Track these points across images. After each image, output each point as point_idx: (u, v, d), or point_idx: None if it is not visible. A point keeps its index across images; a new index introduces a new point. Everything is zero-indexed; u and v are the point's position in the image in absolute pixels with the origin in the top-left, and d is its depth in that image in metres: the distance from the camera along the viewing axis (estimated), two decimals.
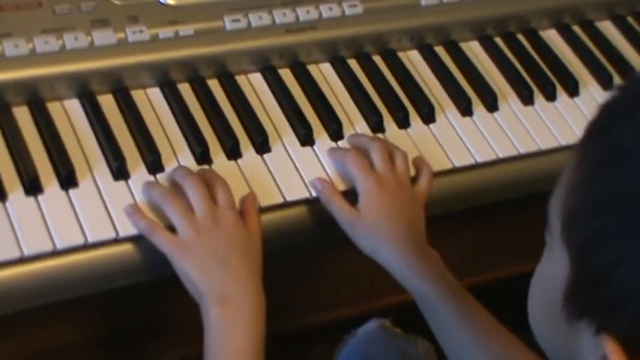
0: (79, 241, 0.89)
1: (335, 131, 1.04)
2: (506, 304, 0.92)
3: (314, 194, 0.98)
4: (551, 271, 0.64)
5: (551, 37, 1.23)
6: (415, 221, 0.99)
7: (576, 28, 1.25)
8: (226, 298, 0.88)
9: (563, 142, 1.11)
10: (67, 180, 0.92)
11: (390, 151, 1.00)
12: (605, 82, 1.19)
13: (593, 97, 1.17)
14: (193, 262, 0.89)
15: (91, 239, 0.90)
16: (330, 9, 1.09)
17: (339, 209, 0.97)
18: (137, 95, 1.01)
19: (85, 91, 0.99)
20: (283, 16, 1.07)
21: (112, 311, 1.04)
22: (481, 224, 1.18)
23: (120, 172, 0.94)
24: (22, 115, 0.96)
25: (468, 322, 0.94)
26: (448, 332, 0.95)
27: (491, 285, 1.22)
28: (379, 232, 0.96)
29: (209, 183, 0.93)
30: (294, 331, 1.08)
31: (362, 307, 0.99)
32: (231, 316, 0.88)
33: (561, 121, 1.13)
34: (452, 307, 0.94)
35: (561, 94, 1.16)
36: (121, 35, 1.00)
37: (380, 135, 1.06)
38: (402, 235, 0.96)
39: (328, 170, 1.00)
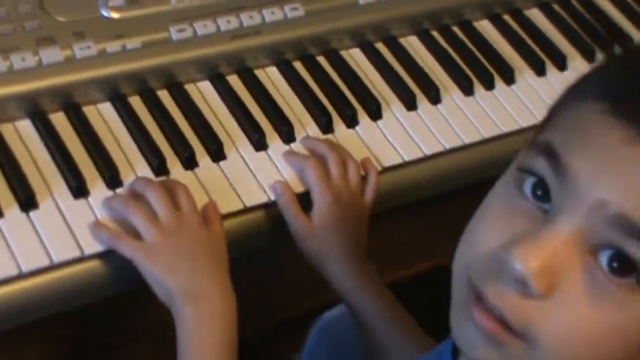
0: (44, 262, 0.89)
1: (287, 134, 1.05)
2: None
3: (272, 198, 1.00)
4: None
5: (485, 27, 1.27)
6: (360, 235, 1.02)
7: (507, 18, 1.29)
8: (196, 294, 0.89)
9: (505, 129, 1.15)
10: (27, 202, 0.91)
11: (345, 162, 1.03)
12: (538, 68, 1.22)
13: (529, 84, 1.21)
14: (161, 263, 0.90)
15: (56, 259, 0.89)
16: (273, 13, 1.10)
17: (294, 218, 0.99)
18: (89, 111, 1.00)
19: (36, 110, 0.98)
20: (227, 23, 1.08)
21: (76, 325, 1.03)
22: (416, 215, 1.21)
23: (79, 190, 0.94)
24: None
25: (403, 337, 0.98)
26: (384, 346, 0.99)
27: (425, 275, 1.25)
28: (327, 246, 0.99)
29: (170, 190, 0.94)
30: (265, 327, 1.10)
31: (332, 297, 1.02)
32: (203, 312, 0.89)
33: (501, 109, 1.17)
34: (388, 323, 0.99)
35: (499, 83, 1.19)
36: (69, 52, 0.99)
37: (330, 135, 1.07)
38: (347, 251, 1.00)
39: (284, 173, 1.02)
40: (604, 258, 0.57)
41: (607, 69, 0.63)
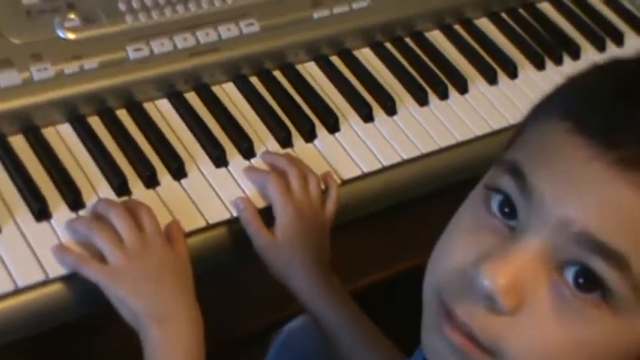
0: (8, 287, 0.89)
1: (247, 150, 1.06)
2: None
3: (234, 214, 1.00)
4: (621, 335, 0.60)
5: (437, 37, 1.28)
6: (323, 248, 1.03)
7: (458, 27, 1.31)
8: (162, 316, 0.90)
9: (460, 138, 1.17)
10: None
11: (305, 175, 1.03)
12: (490, 77, 1.25)
13: (481, 92, 1.23)
14: (127, 286, 0.90)
15: (20, 284, 0.89)
16: (229, 29, 1.11)
17: (257, 233, 1.00)
18: (48, 133, 1.00)
19: None
20: (184, 40, 1.08)
21: (41, 349, 1.03)
22: (375, 225, 1.22)
23: (41, 213, 0.93)
24: None
25: (368, 349, 1.00)
26: (348, 357, 1.00)
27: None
28: (291, 260, 1.00)
29: (133, 211, 0.94)
30: (228, 341, 1.10)
31: (294, 309, 1.03)
32: (169, 333, 0.90)
33: (455, 118, 1.19)
34: (353, 334, 1.00)
35: (453, 93, 1.21)
36: (26, 74, 0.99)
37: (289, 149, 1.08)
38: (311, 264, 1.01)
39: (245, 189, 1.02)
40: (570, 274, 0.59)
41: (570, 88, 0.65)
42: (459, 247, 0.63)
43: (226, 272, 1.10)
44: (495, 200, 0.62)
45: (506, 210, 0.62)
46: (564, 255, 0.59)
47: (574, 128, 0.59)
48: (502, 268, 0.58)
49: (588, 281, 0.58)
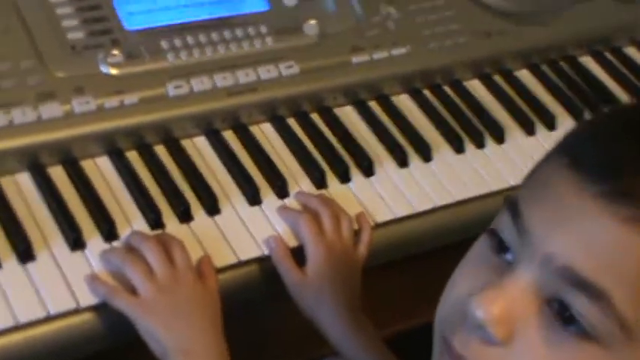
0: (41, 313, 0.90)
1: (280, 189, 1.07)
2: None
3: (266, 252, 1.01)
4: None
5: (475, 86, 1.29)
6: (353, 288, 1.04)
7: (497, 78, 1.32)
8: (190, 351, 0.91)
9: (495, 187, 1.17)
10: (25, 254, 0.93)
11: (338, 216, 1.04)
12: (528, 128, 1.25)
13: (518, 143, 1.23)
14: (156, 319, 0.91)
15: (52, 311, 0.90)
16: (268, 71, 1.13)
17: (288, 272, 1.00)
18: (87, 165, 1.02)
19: (35, 163, 1.00)
20: (224, 79, 1.10)
21: None
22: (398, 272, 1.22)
23: (76, 242, 0.95)
24: None
25: None
26: None
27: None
28: (321, 299, 1.01)
29: (165, 245, 0.95)
30: None
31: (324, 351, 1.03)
32: None
33: (491, 168, 1.19)
34: None
35: (489, 142, 1.22)
36: (68, 107, 1.01)
37: (323, 190, 1.09)
38: (341, 304, 1.01)
39: (278, 228, 1.03)
40: (555, 307, 0.61)
41: (576, 128, 0.67)
42: (459, 283, 0.66)
43: (255, 312, 1.11)
44: (495, 238, 0.65)
45: (504, 246, 0.64)
46: (550, 289, 0.61)
47: (569, 163, 0.61)
48: (494, 300, 0.61)
49: (571, 315, 0.60)
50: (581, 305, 0.59)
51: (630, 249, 0.58)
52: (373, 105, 1.21)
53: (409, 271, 1.18)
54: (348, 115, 1.19)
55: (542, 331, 0.61)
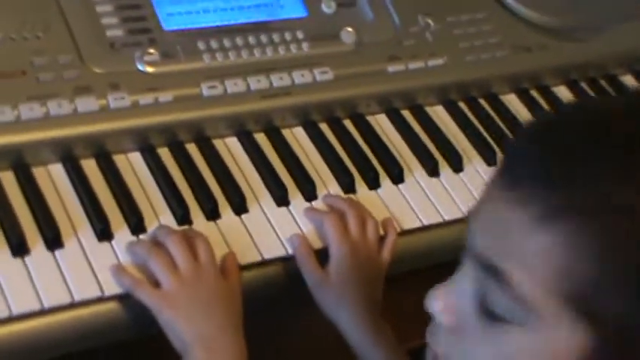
0: (65, 299, 0.92)
1: (309, 192, 1.08)
2: None
3: (290, 252, 1.02)
4: (536, 347, 0.66)
5: (511, 100, 1.30)
6: (375, 292, 1.04)
7: (534, 93, 1.32)
8: (211, 344, 0.92)
9: None
10: (53, 241, 0.95)
11: (364, 218, 1.05)
12: None
13: None
14: (178, 312, 0.93)
15: (77, 298, 0.92)
16: (303, 75, 1.14)
17: (311, 271, 1.01)
18: (119, 160, 1.05)
19: (68, 155, 1.02)
20: (258, 82, 1.12)
21: None
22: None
23: (104, 233, 0.97)
24: (8, 179, 0.99)
25: None
26: None
27: None
28: (343, 299, 1.01)
29: (190, 241, 0.97)
30: None
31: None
32: None
33: None
34: None
35: None
36: (103, 102, 1.04)
37: (351, 195, 1.10)
38: (363, 305, 1.02)
39: (303, 229, 1.04)
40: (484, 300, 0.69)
41: None
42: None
43: (274, 318, 1.11)
44: None
45: None
46: (482, 284, 0.68)
47: (498, 174, 0.69)
48: (440, 294, 0.71)
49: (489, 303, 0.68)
50: (494, 292, 0.66)
51: (522, 230, 0.64)
52: (406, 114, 1.22)
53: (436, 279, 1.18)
54: (381, 122, 1.20)
55: (480, 320, 0.68)
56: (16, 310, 0.90)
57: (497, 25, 1.29)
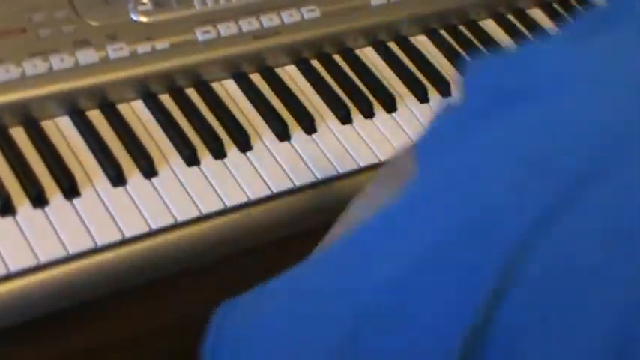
0: (88, 244, 0.95)
1: (308, 126, 1.12)
2: None
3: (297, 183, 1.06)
4: None
5: (488, 25, 1.33)
6: None
7: (510, 17, 1.36)
8: None
9: None
10: (70, 191, 0.98)
11: None
12: None
13: None
14: None
15: (99, 242, 0.96)
16: (291, 15, 1.18)
17: None
18: (123, 108, 1.07)
19: (74, 108, 1.05)
20: (248, 24, 1.15)
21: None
22: None
23: (117, 179, 1.00)
24: (20, 135, 1.02)
25: None
26: None
27: None
28: None
29: None
30: None
31: None
32: None
33: None
34: None
35: None
36: (103, 53, 1.06)
37: (348, 126, 1.14)
38: None
39: (307, 162, 1.08)
40: None
41: None
42: None
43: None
44: None
45: None
46: None
47: None
48: None
49: None
50: None
51: None
52: (392, 46, 1.25)
53: None
54: (369, 56, 1.23)
55: None
56: (44, 258, 0.93)
57: None
